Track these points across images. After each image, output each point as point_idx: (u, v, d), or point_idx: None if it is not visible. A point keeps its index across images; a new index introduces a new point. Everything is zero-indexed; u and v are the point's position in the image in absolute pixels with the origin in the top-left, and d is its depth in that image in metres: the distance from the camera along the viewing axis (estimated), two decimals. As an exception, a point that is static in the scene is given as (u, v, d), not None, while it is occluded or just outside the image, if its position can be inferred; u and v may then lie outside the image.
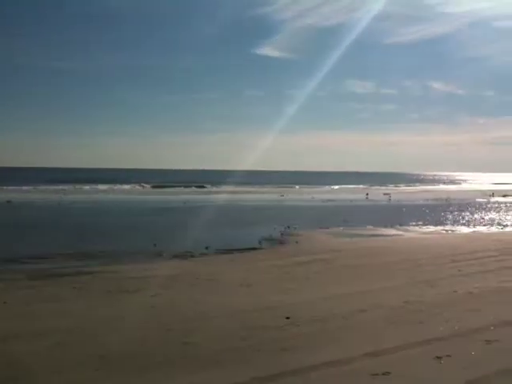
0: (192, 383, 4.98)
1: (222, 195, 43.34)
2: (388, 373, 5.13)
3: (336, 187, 66.14)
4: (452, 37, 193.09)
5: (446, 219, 24.48)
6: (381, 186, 71.61)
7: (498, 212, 29.51)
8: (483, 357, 5.64)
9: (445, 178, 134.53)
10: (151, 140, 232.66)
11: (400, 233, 18.83)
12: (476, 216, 26.50)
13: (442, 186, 78.01)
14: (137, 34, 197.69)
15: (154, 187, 57.27)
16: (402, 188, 69.24)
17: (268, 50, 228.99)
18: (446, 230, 19.95)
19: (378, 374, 5.10)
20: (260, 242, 15.97)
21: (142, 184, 60.35)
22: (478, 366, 5.33)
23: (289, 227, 19.68)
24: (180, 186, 58.32)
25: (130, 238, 17.04)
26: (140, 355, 5.69)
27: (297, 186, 64.56)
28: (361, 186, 70.15)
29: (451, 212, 28.65)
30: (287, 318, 7.16)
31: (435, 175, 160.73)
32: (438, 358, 5.58)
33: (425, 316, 7.25)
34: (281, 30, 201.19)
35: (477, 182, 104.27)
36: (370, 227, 20.27)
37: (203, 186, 60.10)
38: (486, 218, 25.68)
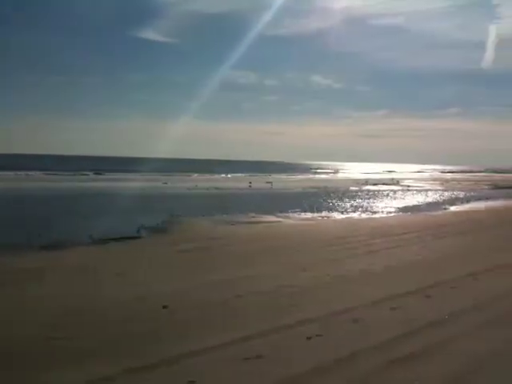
0: (56, 379, 4.65)
1: (103, 183, 41.54)
2: (260, 356, 5.20)
3: (222, 176, 66.64)
4: (331, 31, 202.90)
5: (323, 206, 25.69)
6: (264, 174, 73.46)
7: (369, 199, 31.67)
8: (351, 335, 5.96)
9: (324, 167, 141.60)
10: (30, 124, 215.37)
11: (280, 220, 19.41)
12: (350, 203, 28.18)
13: (320, 176, 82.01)
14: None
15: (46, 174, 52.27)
16: (284, 177, 71.64)
17: (151, 34, 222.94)
18: (322, 217, 20.95)
19: (250, 357, 5.15)
20: (138, 231, 15.42)
21: (29, 172, 54.33)
22: (345, 344, 5.60)
23: (171, 215, 19.34)
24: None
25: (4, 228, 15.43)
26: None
27: (179, 175, 63.72)
28: (244, 174, 71.35)
29: (327, 200, 30.17)
30: (164, 306, 7.02)
31: (315, 165, 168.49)
32: (308, 338, 5.79)
33: (298, 299, 7.50)
34: (165, 14, 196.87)
35: (352, 171, 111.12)
36: (252, 214, 20.63)
37: (86, 174, 56.97)
38: (359, 205, 27.42)
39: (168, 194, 32.46)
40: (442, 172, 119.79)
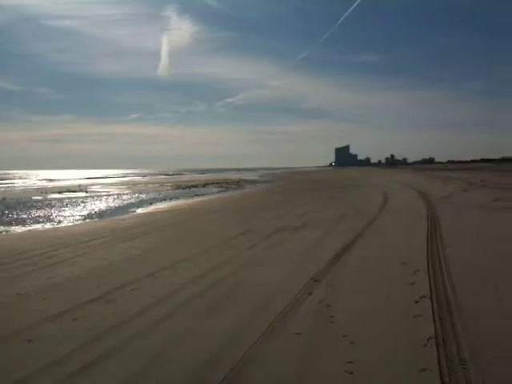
0: None
1: None
2: None
3: None
4: (1, 30, 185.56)
5: (0, 220, 23.29)
6: None
7: (55, 208, 30.23)
8: (24, 357, 5.56)
9: (1, 175, 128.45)
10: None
11: None
12: (33, 214, 26.34)
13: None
14: None
15: None
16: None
17: None
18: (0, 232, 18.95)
19: None
20: None
21: None
22: (17, 367, 5.22)
23: None
24: None
25: None
26: None
27: None
28: None
29: (5, 212, 27.50)
30: None
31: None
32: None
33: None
34: None
35: (33, 179, 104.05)
36: None
37: None
38: (43, 215, 25.88)
39: None
40: (128, 176, 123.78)
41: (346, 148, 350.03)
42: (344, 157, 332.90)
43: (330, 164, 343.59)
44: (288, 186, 54.24)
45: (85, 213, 26.75)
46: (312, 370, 5.10)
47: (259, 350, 5.65)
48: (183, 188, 54.33)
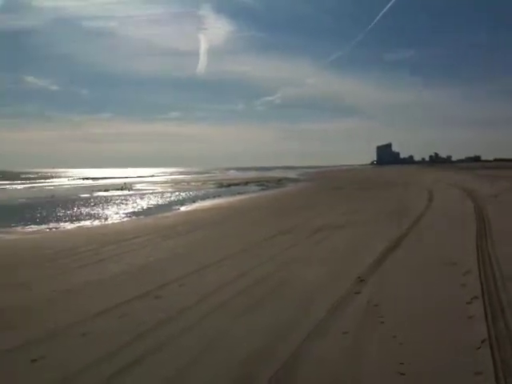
0: None
1: None
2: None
3: None
4: (40, 31, 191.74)
5: (51, 216, 24.12)
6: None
7: (101, 206, 31.02)
8: (79, 350, 5.72)
9: (48, 174, 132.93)
10: None
11: (-1, 236, 17.36)
12: (81, 211, 27.11)
13: (45, 183, 76.69)
14: None
15: None
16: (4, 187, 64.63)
17: None
18: (51, 228, 19.60)
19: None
20: None
21: None
22: (71, 362, 5.37)
23: None
24: None
25: None
26: None
27: None
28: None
29: (56, 209, 28.43)
30: None
31: (36, 172, 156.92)
32: (33, 361, 5.40)
33: (17, 321, 6.83)
34: None
35: (78, 177, 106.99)
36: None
37: None
38: (90, 212, 26.59)
39: None
40: (170, 174, 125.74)
41: (388, 146, 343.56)
42: (386, 155, 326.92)
43: (372, 162, 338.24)
44: (329, 184, 53.82)
45: (129, 210, 27.32)
46: (364, 371, 5.02)
47: (307, 348, 5.61)
48: (225, 186, 54.75)
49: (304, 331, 6.10)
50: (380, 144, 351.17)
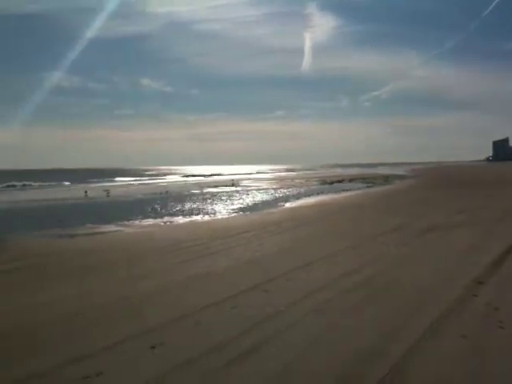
0: None
1: None
2: (101, 373, 4.98)
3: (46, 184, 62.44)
4: (154, 36, 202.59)
5: (165, 211, 25.50)
6: (99, 182, 70.48)
7: (210, 201, 32.23)
8: (192, 339, 6.00)
9: (163, 171, 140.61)
10: None
11: (120, 228, 18.74)
12: (191, 206, 28.38)
13: (159, 180, 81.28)
14: None
15: None
16: (121, 183, 69.55)
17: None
18: (165, 222, 20.74)
19: (90, 376, 4.91)
20: None
21: None
22: (186, 349, 5.64)
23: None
24: None
25: None
26: None
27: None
28: (77, 183, 67.73)
29: (169, 204, 30.02)
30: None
31: (153, 169, 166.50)
32: (152, 347, 5.71)
33: (137, 309, 7.33)
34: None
35: (190, 174, 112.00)
36: (90, 225, 19.61)
37: None
38: (200, 207, 27.74)
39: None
40: (275, 171, 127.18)
41: (506, 141, 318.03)
42: (503, 151, 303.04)
43: (487, 158, 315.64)
44: (438, 181, 51.22)
45: (237, 206, 28.09)
46: (485, 375, 4.74)
47: (422, 350, 5.42)
48: (329, 183, 54.30)
49: (418, 333, 5.89)
50: (496, 139, 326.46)
